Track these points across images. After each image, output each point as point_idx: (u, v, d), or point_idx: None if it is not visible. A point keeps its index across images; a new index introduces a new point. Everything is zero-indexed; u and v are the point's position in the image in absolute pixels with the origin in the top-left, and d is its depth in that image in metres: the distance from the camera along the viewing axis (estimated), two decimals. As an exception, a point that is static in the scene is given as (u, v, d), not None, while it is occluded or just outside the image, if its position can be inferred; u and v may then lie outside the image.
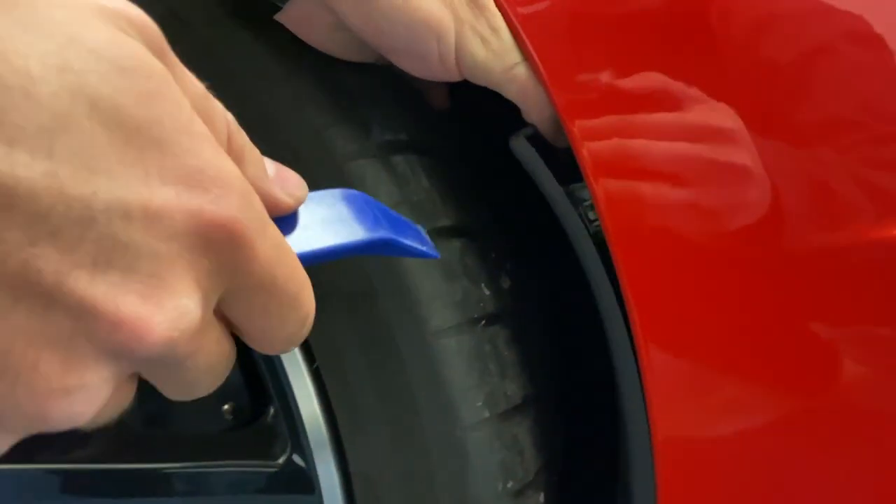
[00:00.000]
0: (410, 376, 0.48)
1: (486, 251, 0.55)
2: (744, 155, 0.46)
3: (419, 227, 0.40)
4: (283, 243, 0.29)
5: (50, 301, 0.23)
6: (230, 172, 0.26)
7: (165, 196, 0.24)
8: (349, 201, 0.35)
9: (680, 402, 0.50)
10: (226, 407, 0.63)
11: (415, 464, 0.49)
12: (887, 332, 0.48)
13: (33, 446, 0.58)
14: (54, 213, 0.23)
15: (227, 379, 0.64)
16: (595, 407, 0.65)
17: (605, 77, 0.46)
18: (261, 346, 0.30)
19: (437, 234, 0.49)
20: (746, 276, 0.48)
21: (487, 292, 0.52)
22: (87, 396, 0.25)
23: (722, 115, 0.47)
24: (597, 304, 0.52)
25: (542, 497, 0.54)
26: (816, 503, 0.51)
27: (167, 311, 0.25)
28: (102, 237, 0.23)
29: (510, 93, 0.47)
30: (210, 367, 0.29)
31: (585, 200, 0.48)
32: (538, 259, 0.66)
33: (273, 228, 0.28)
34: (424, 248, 0.39)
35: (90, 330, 0.24)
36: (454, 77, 0.47)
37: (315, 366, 0.49)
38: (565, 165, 0.48)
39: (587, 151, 0.46)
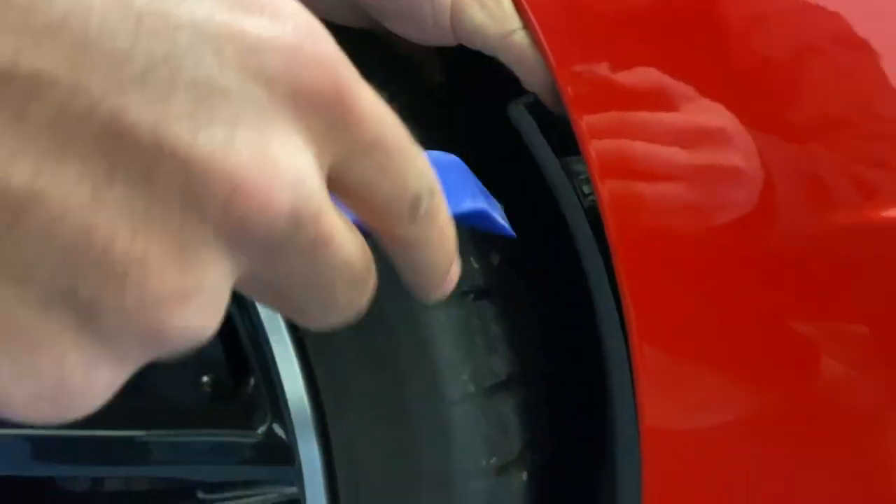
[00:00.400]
0: (397, 347, 0.47)
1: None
2: (737, 152, 0.46)
3: (498, 202, 0.40)
4: (379, 98, 0.24)
5: (150, 166, 0.19)
6: (321, 25, 0.22)
7: (260, 29, 0.21)
8: (452, 167, 0.35)
9: (668, 392, 0.50)
10: (205, 379, 0.62)
11: (397, 435, 0.48)
12: (875, 330, 0.48)
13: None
14: (137, 51, 0.18)
15: (207, 351, 0.63)
16: (583, 391, 0.65)
17: (606, 48, 0.46)
18: (390, 221, 0.25)
19: (428, 203, 0.48)
20: (739, 271, 0.47)
21: (476, 266, 0.52)
22: (207, 302, 0.20)
23: (719, 113, 0.46)
24: (588, 283, 0.51)
25: (524, 476, 0.54)
26: (799, 499, 0.51)
27: (285, 173, 0.20)
28: (197, 82, 0.19)
29: (507, 59, 0.46)
30: (347, 264, 0.23)
31: (581, 173, 0.47)
32: (530, 238, 0.65)
33: (364, 80, 0.24)
34: (507, 226, 0.39)
35: (203, 202, 0.19)
36: (449, 41, 0.46)
37: (299, 334, 0.48)
38: (563, 137, 0.47)
39: (585, 122, 0.45)
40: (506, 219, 0.39)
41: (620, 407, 0.51)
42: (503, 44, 0.45)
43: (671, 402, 0.50)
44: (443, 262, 0.28)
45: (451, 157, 0.35)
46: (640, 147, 0.45)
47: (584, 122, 0.45)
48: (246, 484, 0.52)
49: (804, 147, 0.46)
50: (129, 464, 0.52)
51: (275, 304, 0.25)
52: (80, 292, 0.18)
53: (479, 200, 0.35)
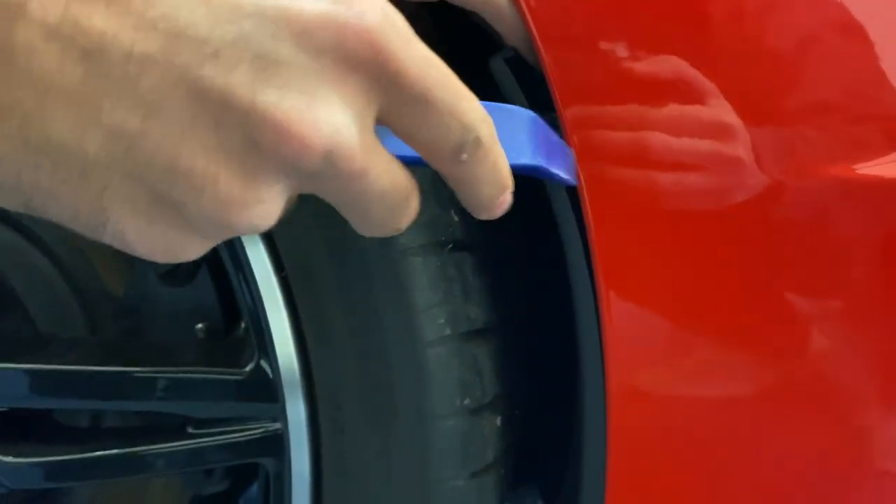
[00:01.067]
0: (376, 290, 0.50)
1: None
2: (711, 110, 0.48)
3: (569, 150, 0.44)
4: (433, 57, 0.30)
5: (221, 115, 0.27)
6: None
7: (312, 11, 0.27)
8: (519, 120, 0.38)
9: (637, 354, 0.51)
10: (199, 326, 0.65)
11: (376, 374, 0.51)
12: (850, 297, 0.50)
13: (17, 346, 0.60)
14: (213, 36, 0.26)
15: (201, 299, 0.65)
16: (561, 346, 0.67)
17: (585, 9, 0.48)
18: (434, 160, 0.33)
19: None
20: (713, 233, 0.49)
21: (457, 219, 0.54)
22: (264, 209, 0.29)
23: (691, 74, 0.48)
24: (562, 241, 0.53)
25: (498, 421, 0.57)
26: (771, 476, 0.53)
27: (323, 125, 0.28)
28: (257, 56, 0.27)
29: (487, 15, 0.48)
30: (382, 193, 0.31)
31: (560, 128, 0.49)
32: (515, 198, 0.68)
33: (420, 44, 0.30)
34: (567, 177, 0.43)
35: (259, 142, 0.27)
36: None
37: (283, 274, 0.50)
38: (544, 93, 0.49)
39: (559, 77, 0.47)
40: (572, 166, 0.44)
41: (588, 369, 0.53)
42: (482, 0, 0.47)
43: (640, 367, 0.52)
44: (489, 195, 0.35)
45: (523, 111, 0.39)
46: (613, 109, 0.47)
47: (560, 79, 0.47)
48: (233, 421, 0.55)
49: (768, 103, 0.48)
50: (125, 398, 0.55)
51: (335, 207, 0.33)
52: (174, 196, 0.28)
53: (540, 155, 0.39)
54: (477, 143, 0.32)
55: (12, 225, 0.70)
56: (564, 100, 0.48)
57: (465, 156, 0.32)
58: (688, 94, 0.47)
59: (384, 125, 0.31)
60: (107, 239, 0.29)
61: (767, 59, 0.48)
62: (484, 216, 0.37)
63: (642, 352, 0.51)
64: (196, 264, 0.64)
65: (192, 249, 0.30)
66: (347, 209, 0.33)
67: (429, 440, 0.51)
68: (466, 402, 0.52)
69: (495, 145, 0.33)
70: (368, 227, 0.34)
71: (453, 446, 0.52)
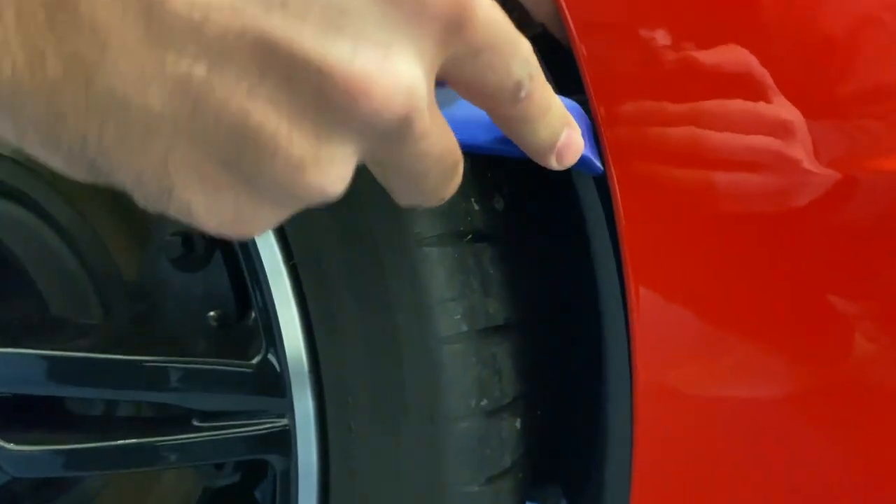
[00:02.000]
0: (389, 282, 0.47)
1: (481, 168, 0.53)
2: (749, 104, 0.44)
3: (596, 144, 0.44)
4: (495, 3, 0.30)
5: (291, 70, 0.25)
6: None
7: None
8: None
9: (666, 353, 0.48)
10: (211, 313, 0.63)
11: (387, 371, 0.48)
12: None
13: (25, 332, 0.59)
14: None
15: (213, 287, 0.63)
16: (587, 346, 0.64)
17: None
18: (495, 105, 0.32)
19: (428, 139, 0.48)
20: (747, 231, 0.46)
21: (477, 208, 0.51)
22: (337, 173, 0.27)
23: (733, 60, 0.44)
24: (588, 235, 0.50)
25: (518, 423, 0.54)
26: (798, 477, 0.50)
27: (401, 82, 0.26)
28: (328, 5, 0.25)
29: None
30: (440, 156, 0.30)
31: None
32: (541, 192, 0.65)
33: None
34: (598, 164, 0.44)
35: (333, 101, 0.25)
36: None
37: (293, 263, 0.48)
38: (572, 73, 0.46)
39: (594, 69, 0.44)
40: (598, 158, 0.44)
41: (613, 363, 0.50)
42: None
43: (668, 366, 0.49)
44: (548, 134, 0.35)
45: (570, 102, 0.41)
46: (646, 95, 0.44)
47: (594, 77, 0.44)
48: (239, 415, 0.53)
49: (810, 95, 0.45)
50: (128, 388, 0.53)
51: (382, 182, 0.32)
52: (242, 159, 0.26)
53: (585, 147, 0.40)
54: (531, 77, 0.31)
55: (26, 205, 0.69)
56: (598, 93, 0.44)
57: (523, 92, 0.31)
58: (730, 86, 0.44)
59: (447, 74, 0.30)
60: (172, 209, 0.27)
61: (820, 47, 0.44)
62: (554, 163, 0.37)
63: (671, 351, 0.48)
64: (209, 250, 0.62)
65: (263, 220, 0.28)
66: (402, 175, 0.31)
67: (441, 442, 0.48)
68: (483, 402, 0.50)
69: (543, 82, 0.33)
70: (418, 193, 0.32)
71: (468, 449, 0.49)
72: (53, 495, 0.71)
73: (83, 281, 0.69)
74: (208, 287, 0.63)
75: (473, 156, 0.52)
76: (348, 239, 0.47)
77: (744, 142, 0.45)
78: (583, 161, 0.41)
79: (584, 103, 0.46)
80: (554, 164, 0.37)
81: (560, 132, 0.36)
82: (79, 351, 0.54)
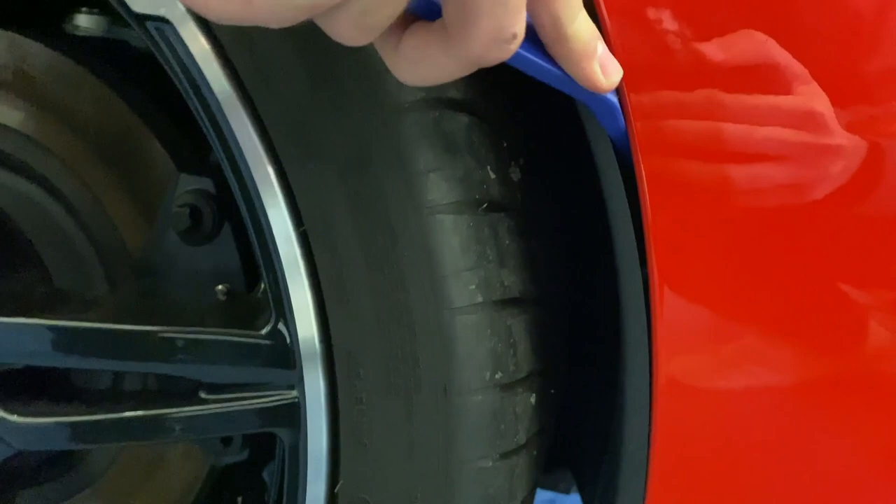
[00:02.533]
0: (401, 250, 0.46)
1: (498, 137, 0.52)
2: (780, 97, 0.43)
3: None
4: None
5: None
6: None
7: None
8: None
9: (688, 341, 0.47)
10: (220, 287, 0.61)
11: (399, 342, 0.47)
12: None
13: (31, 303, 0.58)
14: None
15: (222, 260, 0.62)
16: (608, 324, 0.63)
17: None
18: None
19: (443, 104, 0.46)
20: (774, 228, 0.44)
21: (493, 176, 0.49)
22: None
23: (757, 47, 0.43)
24: (611, 224, 0.48)
25: (533, 399, 0.52)
26: (819, 473, 0.48)
27: None
28: None
29: None
30: None
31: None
32: (559, 168, 0.63)
33: None
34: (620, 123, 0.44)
35: None
36: None
37: (303, 229, 0.46)
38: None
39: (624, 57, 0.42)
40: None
41: (632, 354, 0.48)
42: None
43: (690, 359, 0.47)
44: (586, 32, 0.38)
45: None
46: (674, 82, 0.42)
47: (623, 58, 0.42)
48: (248, 387, 0.51)
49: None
50: (133, 359, 0.52)
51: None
52: None
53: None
54: None
55: (31, 178, 0.68)
56: (629, 82, 0.43)
57: None
58: (759, 79, 0.42)
59: None
60: None
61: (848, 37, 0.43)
62: (600, 75, 0.39)
63: (694, 340, 0.47)
64: (218, 223, 0.61)
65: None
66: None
67: (454, 416, 0.47)
68: (498, 376, 0.48)
69: None
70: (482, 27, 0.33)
71: (481, 424, 0.48)
72: (58, 473, 0.70)
73: (89, 255, 0.68)
74: (217, 261, 0.61)
75: (485, 120, 0.51)
76: (359, 206, 0.46)
77: (769, 133, 0.43)
78: (610, 109, 0.43)
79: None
80: (600, 78, 0.39)
81: (596, 40, 0.38)
82: (86, 322, 0.53)
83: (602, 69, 0.39)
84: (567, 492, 1.08)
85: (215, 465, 0.69)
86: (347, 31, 0.33)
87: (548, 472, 1.02)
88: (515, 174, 0.53)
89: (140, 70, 0.70)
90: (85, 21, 0.74)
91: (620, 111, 0.43)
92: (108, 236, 0.68)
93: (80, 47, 0.71)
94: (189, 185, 0.61)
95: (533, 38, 0.39)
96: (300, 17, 0.32)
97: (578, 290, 0.67)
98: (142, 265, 0.64)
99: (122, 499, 0.72)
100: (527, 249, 0.52)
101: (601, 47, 0.39)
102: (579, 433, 0.76)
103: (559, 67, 0.39)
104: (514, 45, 0.34)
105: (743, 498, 0.50)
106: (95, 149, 0.69)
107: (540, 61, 0.39)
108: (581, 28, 0.38)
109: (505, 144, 0.53)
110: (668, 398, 0.47)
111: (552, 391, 0.58)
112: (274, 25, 0.32)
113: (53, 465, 0.71)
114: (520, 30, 0.34)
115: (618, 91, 0.43)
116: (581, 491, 0.85)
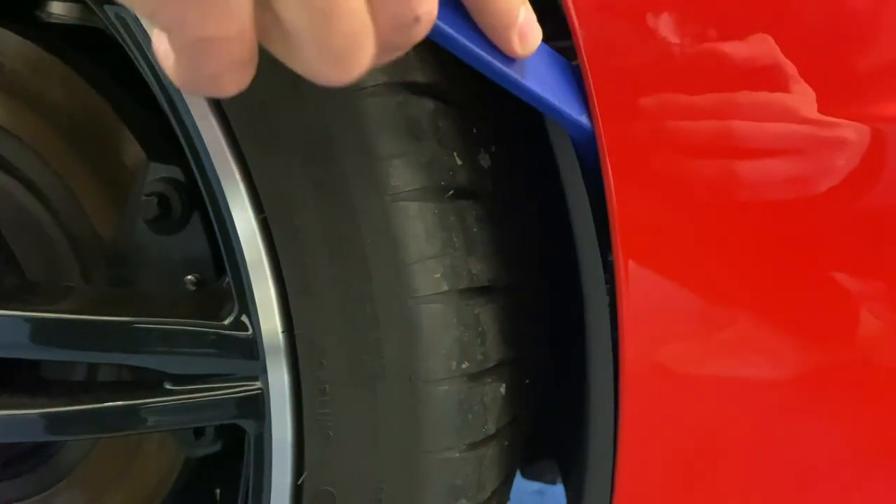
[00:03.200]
0: (364, 238, 0.45)
1: (467, 123, 0.51)
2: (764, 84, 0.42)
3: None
4: None
5: None
6: None
7: None
8: (552, 60, 0.43)
9: (654, 328, 0.46)
10: (189, 277, 0.60)
11: (363, 331, 0.46)
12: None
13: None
14: None
15: (192, 248, 0.61)
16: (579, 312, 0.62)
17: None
18: None
19: (406, 88, 0.45)
20: (740, 213, 0.43)
21: (460, 163, 0.49)
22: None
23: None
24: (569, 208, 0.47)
25: (502, 388, 0.51)
26: (791, 462, 0.48)
27: None
28: None
29: None
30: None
31: None
32: (531, 157, 0.62)
33: None
34: (585, 120, 0.43)
35: None
36: None
37: (263, 216, 0.45)
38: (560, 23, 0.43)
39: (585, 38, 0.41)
40: (582, 115, 0.43)
41: (596, 340, 0.47)
42: None
43: (657, 344, 0.46)
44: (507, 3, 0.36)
45: (557, 55, 0.44)
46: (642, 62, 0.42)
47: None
48: (212, 378, 0.51)
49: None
50: (94, 349, 0.51)
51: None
52: None
53: (557, 92, 0.42)
54: None
55: (2, 167, 0.67)
56: (592, 58, 0.42)
57: None
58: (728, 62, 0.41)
59: None
60: None
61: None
62: (517, 43, 0.38)
63: (660, 327, 0.46)
64: (187, 212, 0.60)
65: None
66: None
67: (420, 406, 0.46)
68: (465, 365, 0.47)
69: None
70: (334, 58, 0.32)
71: (448, 414, 0.47)
72: (28, 468, 0.69)
73: (61, 245, 0.67)
74: (186, 250, 0.60)
75: (451, 105, 0.50)
76: (321, 192, 0.45)
77: (736, 124, 0.42)
78: (565, 117, 0.43)
79: (569, 50, 0.44)
80: (517, 46, 0.38)
81: (519, 6, 0.36)
82: (47, 313, 0.52)
83: (521, 37, 0.38)
84: (553, 482, 1.07)
85: (190, 456, 0.68)
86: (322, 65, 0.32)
87: (534, 462, 1.02)
88: (485, 161, 0.52)
89: (112, 57, 0.69)
90: (58, 8, 0.73)
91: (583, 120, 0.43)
92: (81, 226, 0.68)
93: (50, 35, 0.70)
94: (158, 174, 0.60)
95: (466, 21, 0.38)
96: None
97: (558, 277, 0.66)
98: (112, 255, 0.64)
99: (97, 490, 0.72)
100: (497, 237, 0.51)
101: (523, 13, 0.37)
102: (560, 422, 0.75)
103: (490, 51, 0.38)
104: (421, 28, 0.32)
105: (713, 485, 0.50)
106: (66, 137, 0.68)
107: (471, 44, 0.38)
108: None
109: (474, 131, 0.52)
110: (634, 382, 0.47)
111: (526, 380, 0.58)
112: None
113: (28, 457, 0.71)
114: (423, 12, 0.32)
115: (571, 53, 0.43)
116: (565, 481, 0.85)
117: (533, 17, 0.38)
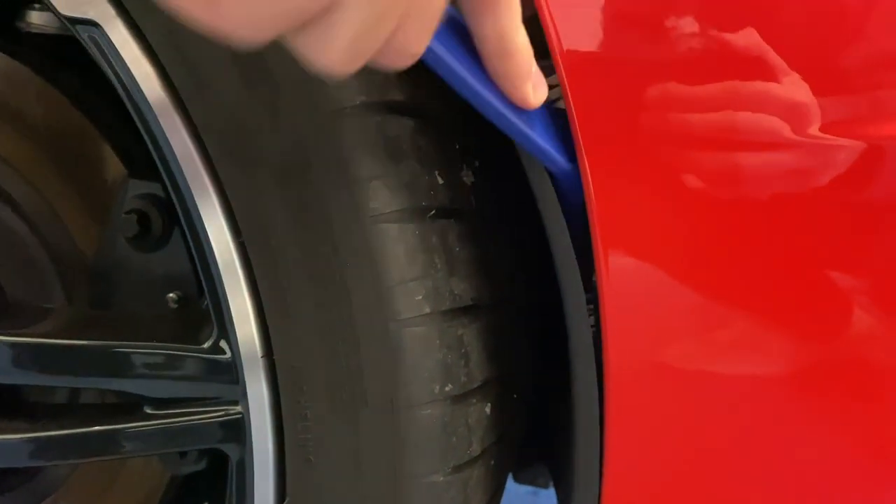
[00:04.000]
0: (344, 260, 0.44)
1: (448, 139, 0.50)
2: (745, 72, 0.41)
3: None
4: None
5: None
6: None
7: None
8: None
9: (636, 331, 0.45)
10: (171, 295, 0.60)
11: (344, 355, 0.45)
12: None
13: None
14: None
15: (174, 266, 0.60)
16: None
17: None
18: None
19: (385, 108, 0.44)
20: (719, 209, 0.43)
21: (441, 181, 0.48)
22: None
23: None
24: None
25: (487, 408, 0.51)
26: (778, 465, 0.47)
27: None
28: None
29: None
30: None
31: None
32: (514, 165, 0.61)
33: None
34: (562, 159, 0.43)
35: None
36: None
37: (241, 240, 0.45)
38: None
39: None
40: (558, 154, 0.43)
41: (579, 356, 0.47)
42: None
43: (642, 345, 0.46)
44: (525, 57, 0.38)
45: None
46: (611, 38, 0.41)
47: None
48: (193, 402, 0.50)
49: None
50: (71, 374, 0.50)
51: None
52: None
53: (535, 128, 0.42)
54: None
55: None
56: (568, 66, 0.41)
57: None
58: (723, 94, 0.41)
59: None
60: None
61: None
62: (531, 93, 0.39)
63: (642, 330, 0.45)
64: (167, 229, 0.59)
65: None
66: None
67: (402, 430, 0.45)
68: (448, 388, 0.47)
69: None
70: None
71: (431, 437, 0.46)
72: (16, 484, 0.68)
73: (44, 263, 0.66)
74: (168, 267, 0.60)
75: (432, 122, 0.49)
76: (299, 214, 0.44)
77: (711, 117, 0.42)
78: (545, 154, 0.43)
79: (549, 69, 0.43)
80: (531, 97, 0.39)
81: (532, 59, 0.38)
82: (24, 337, 0.51)
83: (535, 88, 0.40)
84: (546, 486, 1.07)
85: (177, 475, 0.68)
86: (333, 53, 0.30)
87: (527, 466, 1.02)
88: (468, 177, 0.51)
89: (91, 71, 0.68)
90: (37, 18, 0.72)
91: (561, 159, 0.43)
92: (63, 243, 0.67)
93: (28, 48, 0.68)
94: (138, 190, 0.59)
95: (467, 54, 0.38)
96: (277, 30, 0.29)
97: (548, 287, 0.65)
98: (94, 273, 0.63)
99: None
100: (480, 254, 0.51)
101: (534, 66, 0.39)
102: (551, 428, 0.74)
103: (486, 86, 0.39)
104: (413, 60, 0.34)
105: (699, 484, 0.49)
106: (47, 153, 0.67)
107: (470, 79, 0.39)
108: (524, 42, 0.38)
109: (457, 147, 0.51)
110: (618, 384, 0.46)
111: (513, 395, 0.57)
112: (243, 38, 0.29)
113: (15, 474, 0.70)
114: (420, 51, 0.34)
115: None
116: (556, 486, 0.84)
117: (540, 72, 0.40)
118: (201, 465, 0.64)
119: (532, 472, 1.05)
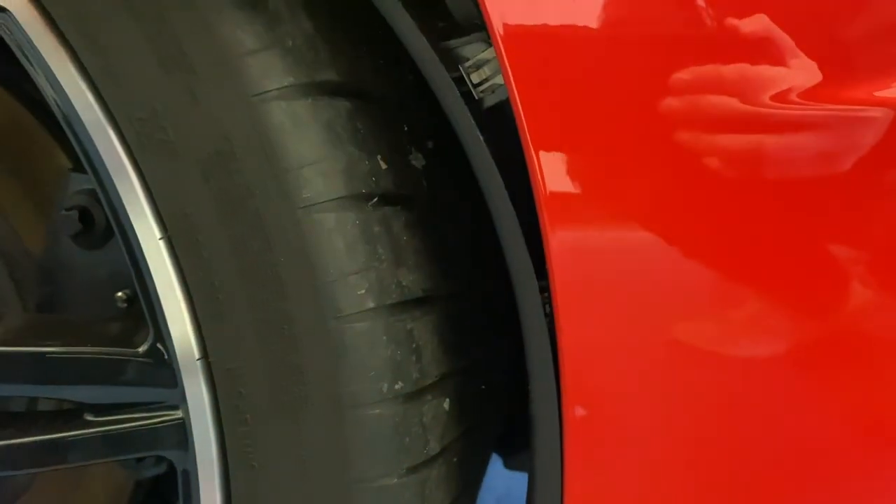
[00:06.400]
0: (277, 255, 0.41)
1: (395, 121, 0.47)
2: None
3: None
4: None
5: None
6: None
7: None
8: None
9: (589, 312, 0.42)
10: (120, 294, 0.57)
11: (282, 355, 0.42)
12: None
13: None
14: None
15: (120, 264, 0.57)
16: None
17: None
18: None
19: (317, 89, 0.41)
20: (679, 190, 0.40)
21: (385, 166, 0.45)
22: None
23: None
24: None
25: (446, 404, 0.48)
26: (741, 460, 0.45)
27: None
28: None
29: None
30: None
31: (468, 59, 0.40)
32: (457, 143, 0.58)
33: None
34: None
35: None
36: None
37: (167, 235, 0.42)
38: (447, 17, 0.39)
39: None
40: None
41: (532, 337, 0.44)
42: None
43: (595, 322, 0.43)
44: None
45: None
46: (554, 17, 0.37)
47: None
48: (134, 407, 0.47)
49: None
50: (12, 381, 0.47)
51: None
52: None
53: None
54: None
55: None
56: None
57: None
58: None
59: None
60: None
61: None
62: None
63: (600, 320, 0.42)
64: (108, 227, 0.56)
65: None
66: None
67: (349, 432, 0.43)
68: (398, 386, 0.44)
69: None
70: None
71: (381, 439, 0.44)
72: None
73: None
74: (115, 265, 0.57)
75: (372, 104, 0.46)
76: (225, 206, 0.41)
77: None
78: None
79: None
80: None
81: None
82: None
83: None
84: (537, 472, 1.05)
85: (141, 480, 0.65)
86: None
87: (517, 454, 1.00)
88: (418, 160, 0.48)
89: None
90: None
91: None
92: (9, 242, 0.64)
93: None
94: (80, 185, 0.56)
95: None
96: None
97: (496, 273, 0.63)
98: (41, 274, 0.60)
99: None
100: (433, 242, 0.48)
101: None
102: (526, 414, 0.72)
103: None
104: None
105: (657, 464, 0.47)
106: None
107: None
108: None
109: (405, 128, 0.48)
110: (573, 369, 0.43)
111: (482, 386, 0.54)
112: None
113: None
114: None
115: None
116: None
117: None
118: (161, 469, 0.61)
119: (522, 457, 1.04)
